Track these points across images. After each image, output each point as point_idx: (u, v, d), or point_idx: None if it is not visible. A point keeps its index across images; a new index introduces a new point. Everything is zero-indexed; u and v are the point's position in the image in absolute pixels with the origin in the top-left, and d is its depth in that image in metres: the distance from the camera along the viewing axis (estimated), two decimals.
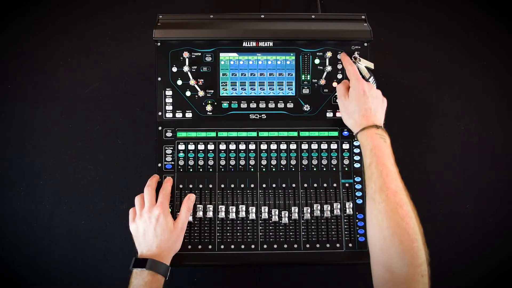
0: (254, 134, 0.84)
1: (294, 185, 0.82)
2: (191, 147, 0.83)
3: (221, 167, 0.82)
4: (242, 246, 0.79)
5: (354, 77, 0.79)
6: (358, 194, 0.81)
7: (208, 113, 0.84)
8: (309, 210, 0.80)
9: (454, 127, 0.95)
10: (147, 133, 0.91)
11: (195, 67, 0.83)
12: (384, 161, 0.70)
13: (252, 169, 0.82)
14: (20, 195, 0.89)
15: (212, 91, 0.84)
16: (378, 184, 0.69)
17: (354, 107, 0.77)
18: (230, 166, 0.82)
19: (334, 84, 0.84)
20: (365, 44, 0.84)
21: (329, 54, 0.83)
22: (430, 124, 0.95)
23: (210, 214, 0.80)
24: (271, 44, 0.83)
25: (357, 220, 0.80)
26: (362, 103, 0.76)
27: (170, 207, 0.79)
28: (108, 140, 0.92)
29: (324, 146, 0.84)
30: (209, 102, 0.83)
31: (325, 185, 0.82)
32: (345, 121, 0.80)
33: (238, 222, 0.80)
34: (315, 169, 0.83)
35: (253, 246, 0.79)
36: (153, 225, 0.73)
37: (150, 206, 0.76)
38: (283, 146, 0.83)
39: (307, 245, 0.79)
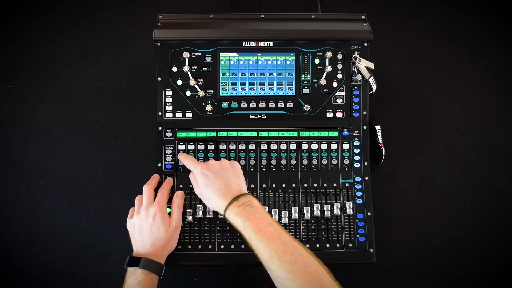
0: (254, 134, 0.84)
1: (294, 185, 0.82)
2: (191, 147, 0.83)
3: None
4: (242, 246, 0.79)
5: (192, 166, 0.78)
6: (358, 194, 0.81)
7: (208, 113, 0.84)
8: (309, 210, 0.80)
9: (454, 127, 0.95)
10: (147, 133, 0.91)
11: (195, 67, 0.83)
12: (260, 226, 0.65)
13: (252, 169, 0.82)
14: (20, 195, 0.89)
15: (212, 91, 0.84)
16: (266, 252, 0.63)
17: (207, 192, 0.74)
18: None
19: (334, 84, 0.84)
20: (365, 44, 0.84)
21: (329, 54, 0.83)
22: (430, 124, 0.94)
23: (210, 214, 0.80)
24: (271, 44, 0.83)
25: (357, 220, 0.80)
26: (210, 185, 0.74)
27: (169, 206, 0.79)
28: (108, 140, 0.92)
29: (324, 146, 0.84)
30: (209, 102, 0.83)
31: (325, 185, 0.82)
32: (209, 207, 0.77)
33: None
34: (315, 169, 0.83)
35: None
36: (149, 223, 0.74)
37: (148, 204, 0.76)
38: (283, 146, 0.83)
39: (307, 245, 0.79)
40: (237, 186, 0.74)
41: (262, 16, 0.85)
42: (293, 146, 0.84)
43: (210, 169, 0.76)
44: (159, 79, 0.83)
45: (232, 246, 0.79)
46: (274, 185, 0.82)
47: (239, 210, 0.69)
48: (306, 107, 0.84)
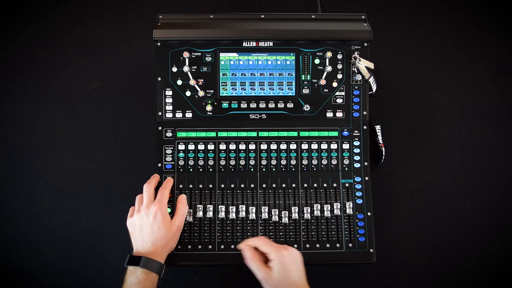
0: (254, 134, 0.84)
1: (294, 185, 0.82)
2: (191, 147, 0.83)
3: (221, 167, 0.82)
4: None
5: (272, 248, 0.69)
6: (358, 194, 0.81)
7: (208, 113, 0.84)
8: (309, 210, 0.80)
9: (454, 127, 0.95)
10: (147, 133, 0.91)
11: (195, 67, 0.83)
12: None
13: (252, 169, 0.82)
14: (20, 195, 0.89)
15: (212, 91, 0.84)
16: None
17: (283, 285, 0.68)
18: (230, 166, 0.82)
19: (334, 84, 0.84)
20: (365, 44, 0.84)
21: (329, 54, 0.83)
22: (430, 124, 0.94)
23: (210, 214, 0.80)
24: (271, 44, 0.83)
25: (357, 220, 0.80)
26: (289, 279, 0.68)
27: (169, 206, 0.79)
28: (108, 140, 0.92)
29: (324, 146, 0.84)
30: (209, 102, 0.83)
31: (325, 185, 0.82)
32: None
33: (238, 222, 0.80)
34: (315, 169, 0.83)
35: None
36: (150, 222, 0.73)
37: (148, 202, 0.76)
38: (283, 146, 0.83)
39: (307, 245, 0.79)
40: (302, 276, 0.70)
41: (262, 16, 0.85)
42: (293, 146, 0.84)
43: (291, 258, 0.70)
44: (159, 79, 0.83)
45: (232, 246, 0.79)
46: (274, 185, 0.82)
47: None
48: (306, 107, 0.84)
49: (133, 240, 0.75)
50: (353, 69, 0.84)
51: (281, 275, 0.68)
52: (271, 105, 0.84)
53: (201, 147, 0.83)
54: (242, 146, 0.83)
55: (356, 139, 0.84)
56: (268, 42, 0.83)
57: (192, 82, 0.82)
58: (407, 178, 0.92)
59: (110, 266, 0.87)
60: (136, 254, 0.72)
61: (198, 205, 0.80)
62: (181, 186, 0.81)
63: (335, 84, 0.84)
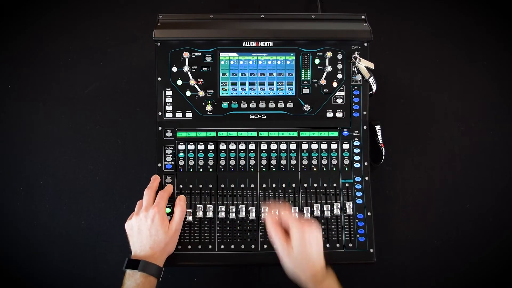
0: (254, 134, 0.84)
1: (294, 185, 0.82)
2: (191, 147, 0.83)
3: (221, 167, 0.82)
4: (242, 246, 0.79)
5: (294, 223, 0.68)
6: (358, 194, 0.81)
7: (208, 113, 0.84)
8: (309, 210, 0.80)
9: (454, 127, 0.95)
10: (147, 133, 0.91)
11: (195, 67, 0.83)
12: None
13: (252, 169, 0.82)
14: (20, 195, 0.89)
15: (212, 91, 0.84)
16: None
17: (301, 265, 0.67)
18: (230, 166, 0.82)
19: (334, 84, 0.84)
20: (365, 44, 0.84)
21: (329, 54, 0.83)
22: (430, 124, 0.94)
23: (210, 214, 0.80)
24: (271, 44, 0.83)
25: (357, 220, 0.80)
26: (308, 257, 0.67)
27: (169, 206, 0.79)
28: (108, 140, 0.92)
29: (324, 146, 0.84)
30: (209, 102, 0.83)
31: (325, 185, 0.82)
32: (290, 275, 0.69)
33: (238, 222, 0.80)
34: (315, 169, 0.83)
35: (253, 246, 0.79)
36: (148, 225, 0.73)
37: (147, 206, 0.76)
38: (283, 146, 0.83)
39: None
40: (322, 259, 0.69)
41: (262, 16, 0.85)
42: (293, 146, 0.84)
43: (310, 236, 0.68)
44: (159, 79, 0.83)
45: (232, 246, 0.79)
46: (274, 185, 0.82)
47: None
48: (306, 107, 0.84)
49: (131, 243, 0.75)
50: (353, 69, 0.84)
51: (300, 253, 0.67)
52: (271, 105, 0.84)
53: (201, 147, 0.83)
54: (242, 146, 0.83)
55: (356, 139, 0.84)
56: (268, 42, 0.83)
57: (192, 82, 0.82)
58: (407, 178, 0.92)
59: (110, 266, 0.87)
60: (134, 258, 0.72)
61: (198, 205, 0.80)
62: (181, 186, 0.81)
63: (335, 84, 0.84)
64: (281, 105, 0.84)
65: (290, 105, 0.84)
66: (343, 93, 0.84)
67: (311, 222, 0.69)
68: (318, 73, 0.84)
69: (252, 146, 0.83)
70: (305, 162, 0.83)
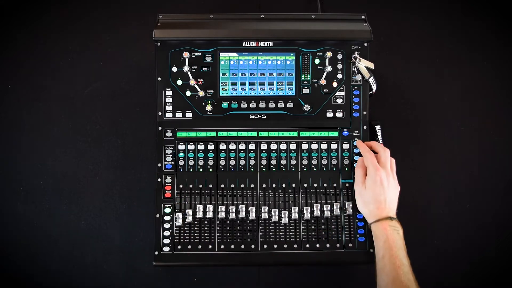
0: (254, 134, 0.84)
1: (294, 185, 0.82)
2: (191, 147, 0.83)
3: (221, 167, 0.82)
4: (242, 246, 0.79)
5: (372, 166, 0.77)
6: None
7: (208, 113, 0.84)
8: (309, 210, 0.80)
9: (454, 127, 0.95)
10: (147, 133, 0.91)
11: (195, 67, 0.83)
12: (397, 253, 0.71)
13: (252, 169, 0.82)
14: (20, 195, 0.89)
15: (212, 91, 0.84)
16: (390, 277, 0.69)
17: (370, 198, 0.76)
18: (230, 166, 0.82)
19: (334, 84, 0.84)
20: (365, 44, 0.84)
21: (329, 54, 0.83)
22: (430, 124, 0.94)
23: (210, 214, 0.80)
24: (271, 44, 0.83)
25: (357, 220, 0.80)
26: (378, 193, 0.76)
27: (169, 206, 0.79)
28: (108, 140, 0.92)
29: (324, 146, 0.84)
30: (209, 102, 0.83)
31: (325, 185, 0.82)
32: (359, 208, 0.79)
33: (238, 222, 0.80)
34: (315, 169, 0.83)
35: (253, 246, 0.79)
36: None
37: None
38: (283, 146, 0.83)
39: (307, 245, 0.79)
40: (395, 207, 0.78)
41: (262, 16, 0.85)
42: (293, 146, 0.84)
43: (386, 180, 0.77)
44: (159, 79, 0.83)
45: (232, 246, 0.79)
46: (274, 185, 0.82)
47: (389, 229, 0.73)
48: (306, 107, 0.84)
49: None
50: (353, 69, 0.84)
51: (372, 191, 0.76)
52: (271, 105, 0.84)
53: (201, 147, 0.83)
54: (242, 146, 0.83)
55: (356, 139, 0.84)
56: (268, 42, 0.83)
57: (192, 82, 0.82)
58: (407, 178, 0.91)
59: (110, 266, 0.87)
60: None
61: (198, 205, 0.80)
62: (181, 186, 0.81)
63: (335, 84, 0.84)
64: (281, 105, 0.84)
65: (290, 105, 0.84)
66: (343, 93, 0.84)
67: (393, 173, 0.79)
68: (318, 73, 0.84)
69: (252, 146, 0.83)
70: (305, 162, 0.83)
